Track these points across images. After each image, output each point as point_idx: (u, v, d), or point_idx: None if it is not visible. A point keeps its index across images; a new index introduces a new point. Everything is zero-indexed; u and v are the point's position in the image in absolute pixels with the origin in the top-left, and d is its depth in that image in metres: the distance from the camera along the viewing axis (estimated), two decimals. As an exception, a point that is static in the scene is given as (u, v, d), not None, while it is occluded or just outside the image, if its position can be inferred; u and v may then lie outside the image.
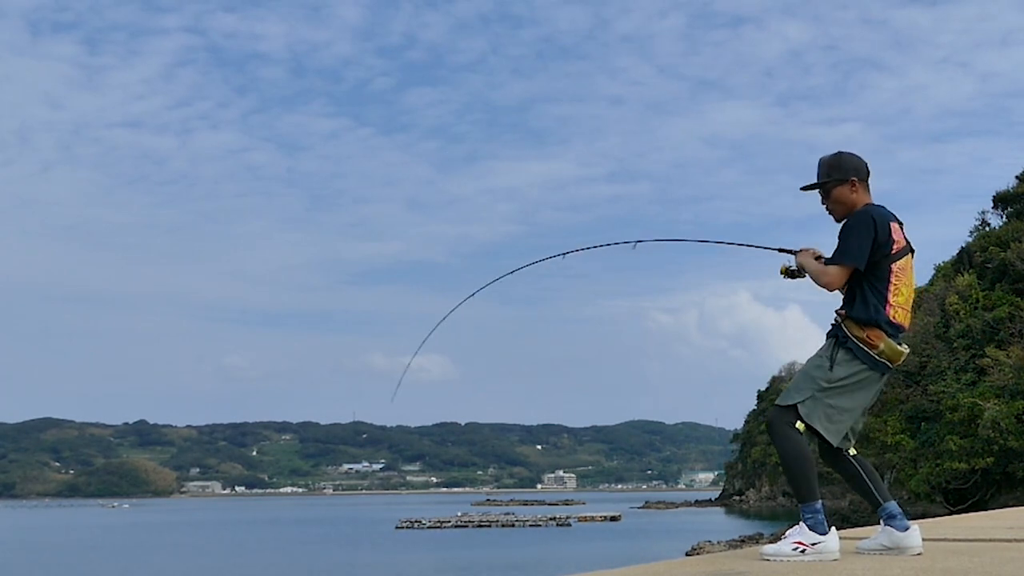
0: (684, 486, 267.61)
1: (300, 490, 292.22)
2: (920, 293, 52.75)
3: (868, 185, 4.98)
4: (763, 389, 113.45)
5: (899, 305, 4.83)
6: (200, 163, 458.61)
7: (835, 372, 4.74)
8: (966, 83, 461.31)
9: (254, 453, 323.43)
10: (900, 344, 4.83)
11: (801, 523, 4.71)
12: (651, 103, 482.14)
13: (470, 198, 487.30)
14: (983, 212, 59.71)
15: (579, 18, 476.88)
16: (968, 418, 45.12)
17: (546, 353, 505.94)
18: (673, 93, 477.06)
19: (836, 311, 4.90)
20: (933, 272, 60.56)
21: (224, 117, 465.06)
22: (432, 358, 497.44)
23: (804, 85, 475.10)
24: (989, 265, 53.11)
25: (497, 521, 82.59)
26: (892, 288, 4.80)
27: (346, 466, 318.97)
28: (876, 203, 4.97)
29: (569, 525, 79.21)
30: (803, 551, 4.65)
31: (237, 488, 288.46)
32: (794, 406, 4.74)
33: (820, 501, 4.71)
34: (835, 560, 4.64)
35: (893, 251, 4.80)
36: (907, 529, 4.81)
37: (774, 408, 4.84)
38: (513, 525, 79.16)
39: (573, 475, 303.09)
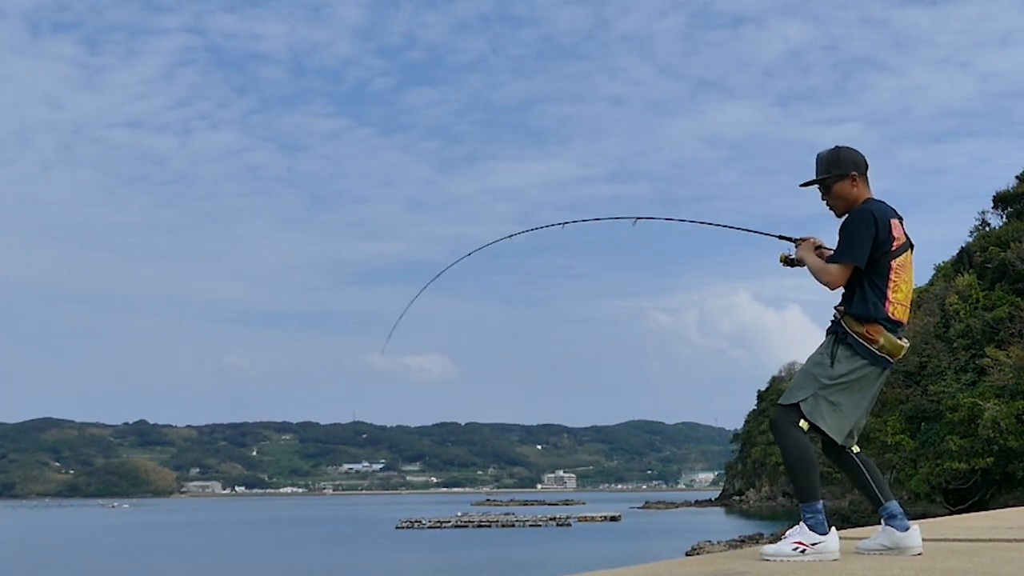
0: (684, 486, 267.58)
1: (300, 490, 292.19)
2: (920, 293, 52.77)
3: (868, 179, 4.98)
4: (763, 389, 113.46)
5: (898, 302, 4.82)
6: (200, 163, 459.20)
7: (836, 369, 4.73)
8: (966, 83, 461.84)
9: (254, 453, 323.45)
10: (900, 339, 4.82)
11: (801, 523, 4.70)
12: (651, 103, 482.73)
13: (470, 198, 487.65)
14: (983, 212, 59.78)
15: (579, 18, 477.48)
16: (968, 418, 45.11)
17: (546, 353, 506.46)
18: (673, 93, 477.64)
19: (835, 307, 4.89)
20: (933, 272, 60.61)
21: (224, 117, 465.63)
22: (432, 358, 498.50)
23: (804, 85, 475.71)
24: (989, 265, 53.11)
25: (497, 521, 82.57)
26: (892, 285, 4.79)
27: (346, 466, 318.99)
28: (876, 198, 4.96)
29: (569, 525, 79.19)
30: (803, 551, 4.63)
31: (237, 488, 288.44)
32: (796, 404, 4.73)
33: (821, 501, 4.70)
34: (835, 560, 4.63)
35: (893, 248, 4.79)
36: (907, 529, 4.80)
37: (777, 407, 4.83)
38: (513, 525, 79.14)
39: (573, 475, 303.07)
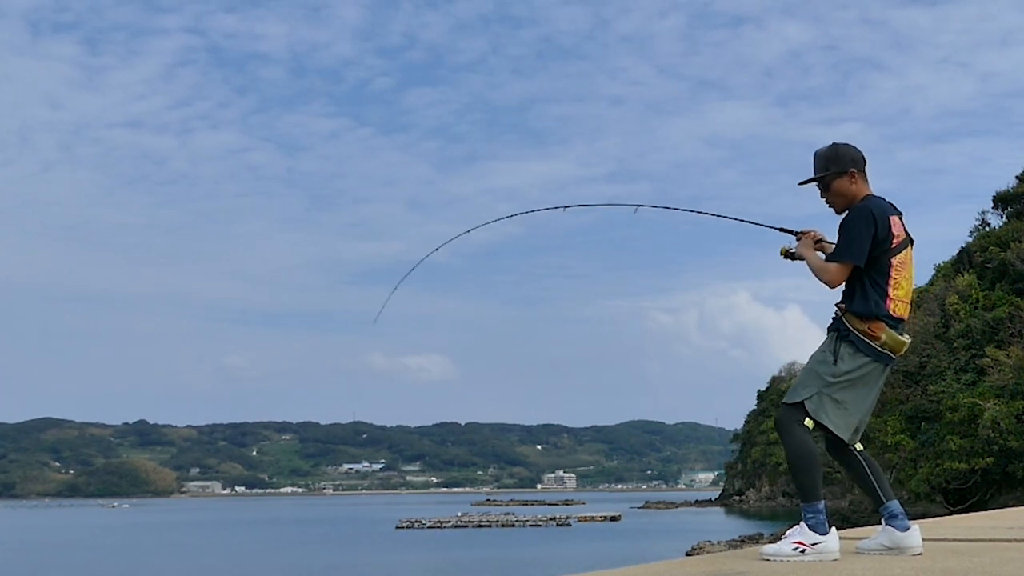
0: (684, 486, 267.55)
1: (300, 490, 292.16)
2: (920, 293, 52.76)
3: (866, 175, 4.97)
4: (763, 389, 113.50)
5: (899, 298, 4.82)
6: (200, 163, 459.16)
7: (840, 366, 4.73)
8: (966, 83, 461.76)
9: (254, 453, 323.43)
10: (902, 335, 4.82)
11: (802, 523, 4.70)
12: (651, 103, 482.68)
13: (470, 198, 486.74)
14: (983, 212, 59.71)
15: (579, 18, 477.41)
16: (968, 418, 45.10)
17: (546, 353, 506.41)
18: (673, 93, 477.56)
19: (836, 304, 4.89)
20: (933, 272, 60.54)
21: (224, 117, 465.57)
22: (432, 358, 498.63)
23: (804, 85, 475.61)
24: (989, 265, 53.09)
25: (497, 521, 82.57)
26: (892, 282, 4.79)
27: (346, 466, 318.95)
28: (875, 194, 4.96)
29: (569, 525, 79.19)
30: (803, 551, 4.63)
31: (237, 488, 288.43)
32: (801, 403, 4.73)
33: (823, 501, 4.70)
34: (835, 560, 4.62)
35: (893, 245, 4.79)
36: (908, 529, 4.80)
37: (782, 406, 4.83)
38: (513, 525, 79.14)
39: (573, 475, 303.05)
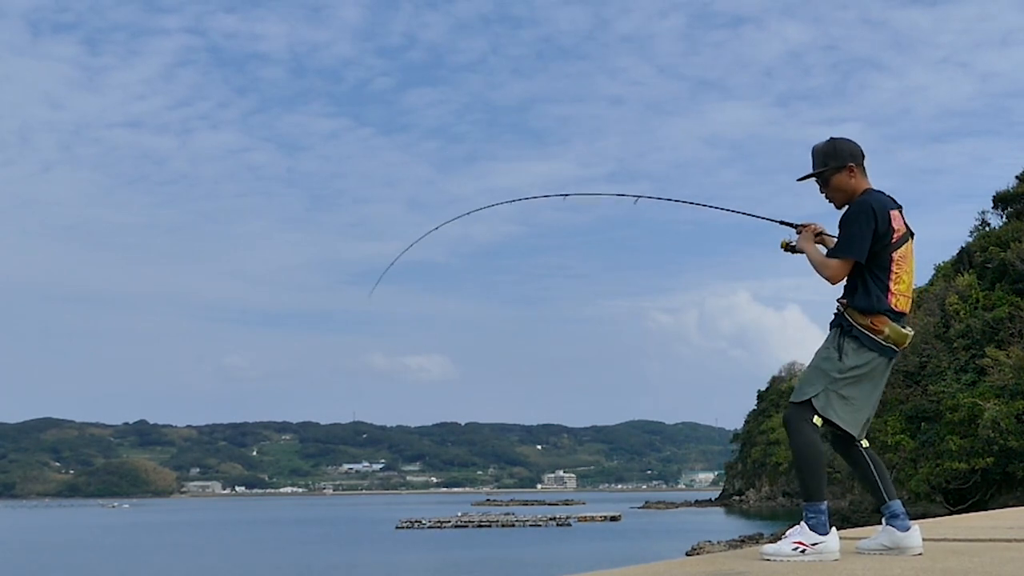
0: (684, 486, 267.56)
1: (300, 490, 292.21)
2: (920, 293, 52.74)
3: (865, 169, 4.96)
4: (763, 389, 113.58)
5: (901, 292, 4.82)
6: (200, 163, 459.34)
7: (846, 362, 4.72)
8: (966, 83, 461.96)
9: (254, 453, 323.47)
10: (904, 327, 4.82)
11: (802, 523, 4.69)
12: (651, 103, 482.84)
13: (470, 198, 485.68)
14: (983, 212, 59.69)
15: (579, 18, 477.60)
16: (968, 418, 45.10)
17: (546, 353, 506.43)
18: (673, 93, 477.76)
19: (838, 300, 4.87)
20: (933, 272, 60.53)
21: (224, 117, 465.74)
22: (432, 358, 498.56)
23: (804, 85, 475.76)
24: (989, 265, 53.08)
25: (497, 521, 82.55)
26: (893, 276, 4.78)
27: (346, 466, 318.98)
28: (875, 188, 4.94)
29: (569, 525, 79.17)
30: (803, 551, 4.61)
31: (237, 488, 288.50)
32: (809, 401, 4.72)
33: (825, 502, 4.69)
34: (835, 560, 4.60)
35: (893, 240, 4.77)
36: (908, 529, 4.78)
37: (790, 405, 4.81)
38: (513, 525, 79.13)
39: (573, 475, 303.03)
